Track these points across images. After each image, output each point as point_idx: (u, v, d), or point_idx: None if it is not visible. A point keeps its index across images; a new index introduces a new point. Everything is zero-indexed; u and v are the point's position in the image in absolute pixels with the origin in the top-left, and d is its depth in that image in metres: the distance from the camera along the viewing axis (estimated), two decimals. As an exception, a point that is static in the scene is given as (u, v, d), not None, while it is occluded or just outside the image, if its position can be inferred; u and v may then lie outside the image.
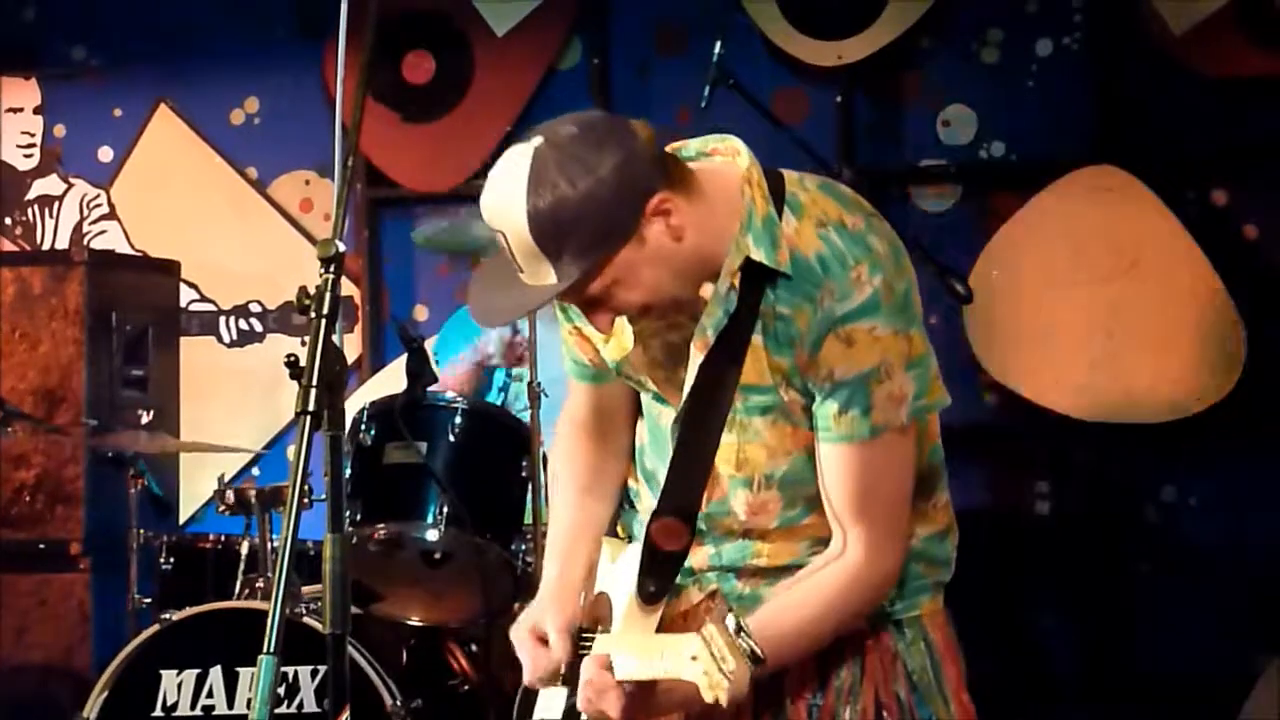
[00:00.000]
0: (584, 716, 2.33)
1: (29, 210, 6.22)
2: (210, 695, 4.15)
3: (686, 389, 2.31)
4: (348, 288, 5.77)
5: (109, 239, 6.12)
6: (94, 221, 6.16)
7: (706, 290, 2.26)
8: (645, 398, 2.47)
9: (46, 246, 6.13)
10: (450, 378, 4.72)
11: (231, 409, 5.91)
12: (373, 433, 4.23)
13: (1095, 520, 5.21)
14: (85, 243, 6.08)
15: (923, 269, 3.29)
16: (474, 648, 4.52)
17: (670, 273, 2.22)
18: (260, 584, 4.31)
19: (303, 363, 2.07)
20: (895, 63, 5.40)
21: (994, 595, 5.05)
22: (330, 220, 5.75)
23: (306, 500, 3.97)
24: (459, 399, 4.34)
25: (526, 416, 4.30)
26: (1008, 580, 5.15)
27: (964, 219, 5.37)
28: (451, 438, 4.21)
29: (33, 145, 6.22)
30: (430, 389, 4.25)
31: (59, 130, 6.20)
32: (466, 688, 4.51)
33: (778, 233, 2.23)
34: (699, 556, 2.42)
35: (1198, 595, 5.10)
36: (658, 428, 2.44)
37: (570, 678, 2.42)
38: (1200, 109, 5.15)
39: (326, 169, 5.88)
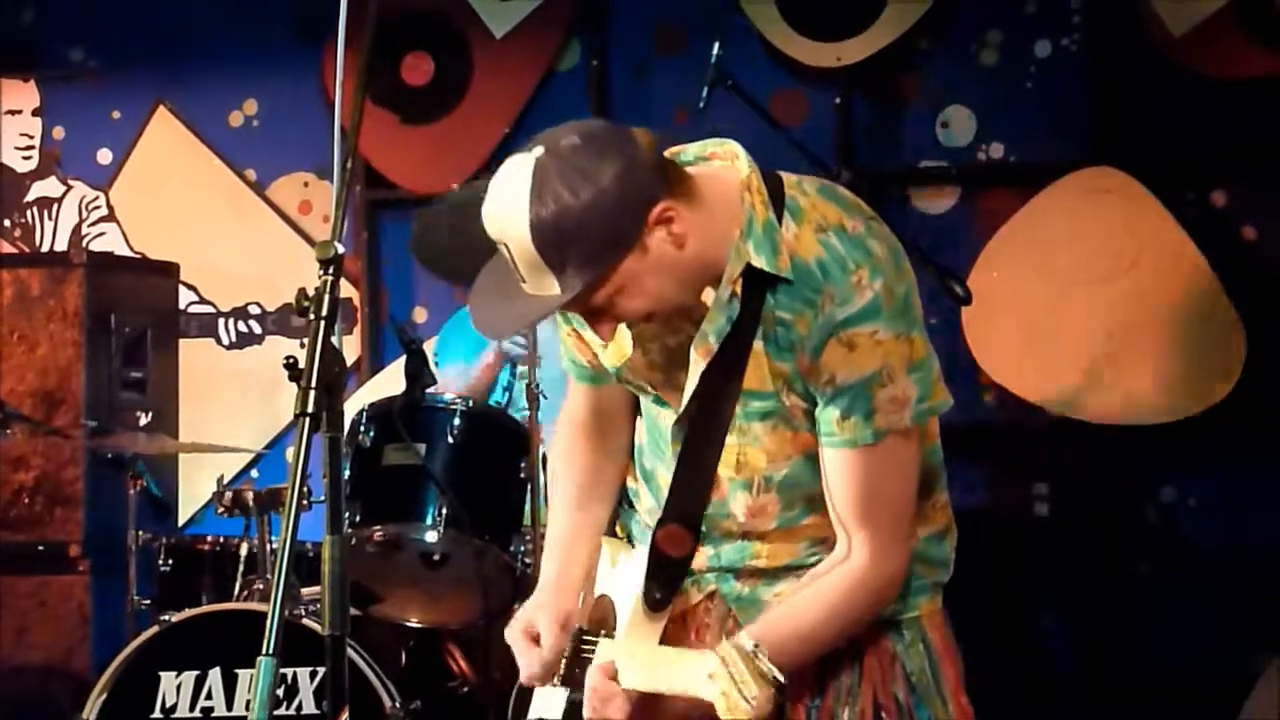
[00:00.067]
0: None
1: (28, 212, 6.22)
2: (209, 697, 4.15)
3: (687, 394, 2.31)
4: (347, 289, 5.77)
5: (108, 241, 6.12)
6: (93, 223, 6.15)
7: (708, 295, 2.26)
8: (644, 399, 2.47)
9: (45, 248, 6.14)
10: (473, 376, 4.64)
11: (230, 411, 5.91)
12: (372, 434, 4.22)
13: (1095, 521, 5.21)
14: (84, 245, 6.08)
15: (922, 270, 3.29)
16: (473, 649, 4.52)
17: (673, 280, 2.21)
18: (259, 585, 4.32)
19: (302, 364, 2.07)
20: (894, 64, 5.39)
21: (993, 596, 5.04)
22: (329, 222, 5.74)
23: (305, 502, 3.96)
24: (458, 400, 4.33)
25: (525, 417, 4.30)
26: (1007, 581, 5.15)
27: (963, 220, 5.37)
28: (450, 439, 4.20)
29: (32, 147, 6.21)
30: (429, 390, 4.24)
31: (58, 132, 6.20)
32: (465, 689, 4.51)
33: (778, 239, 2.22)
34: (698, 557, 2.42)
35: (1198, 595, 5.09)
36: (657, 428, 2.44)
37: (570, 678, 2.42)
38: (1199, 110, 5.15)
39: (325, 171, 5.88)
